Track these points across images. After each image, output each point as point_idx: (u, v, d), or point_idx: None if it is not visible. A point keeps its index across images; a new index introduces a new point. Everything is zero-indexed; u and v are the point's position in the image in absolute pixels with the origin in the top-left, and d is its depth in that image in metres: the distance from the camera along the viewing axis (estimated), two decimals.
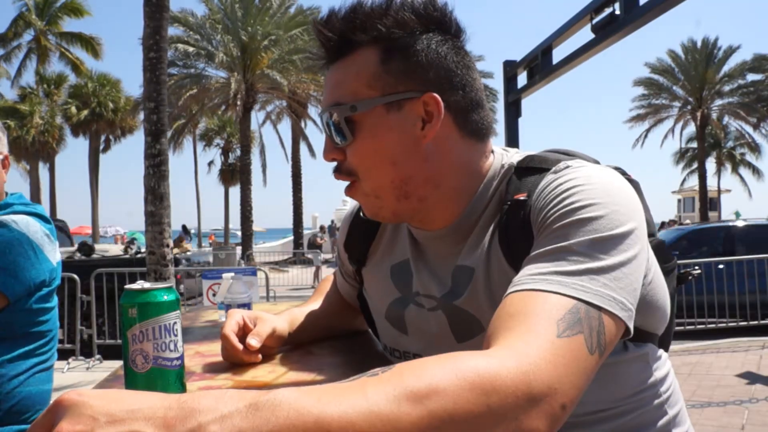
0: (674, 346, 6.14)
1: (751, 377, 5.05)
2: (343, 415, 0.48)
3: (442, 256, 0.92)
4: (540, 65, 4.27)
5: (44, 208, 1.78)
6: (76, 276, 6.47)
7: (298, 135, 25.58)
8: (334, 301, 1.22)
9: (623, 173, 0.86)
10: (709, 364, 5.57)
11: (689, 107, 31.02)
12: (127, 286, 0.77)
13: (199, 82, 21.13)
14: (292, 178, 25.86)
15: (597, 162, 0.87)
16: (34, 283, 1.57)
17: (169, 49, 9.77)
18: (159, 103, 7.05)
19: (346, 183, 0.89)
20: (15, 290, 1.52)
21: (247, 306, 1.28)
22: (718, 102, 30.95)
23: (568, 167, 0.80)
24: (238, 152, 24.07)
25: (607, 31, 3.37)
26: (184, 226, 22.66)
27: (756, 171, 34.04)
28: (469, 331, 0.87)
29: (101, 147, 29.88)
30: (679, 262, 1.00)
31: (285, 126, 30.89)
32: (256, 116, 38.13)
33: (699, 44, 30.58)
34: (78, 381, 5.71)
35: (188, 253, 12.42)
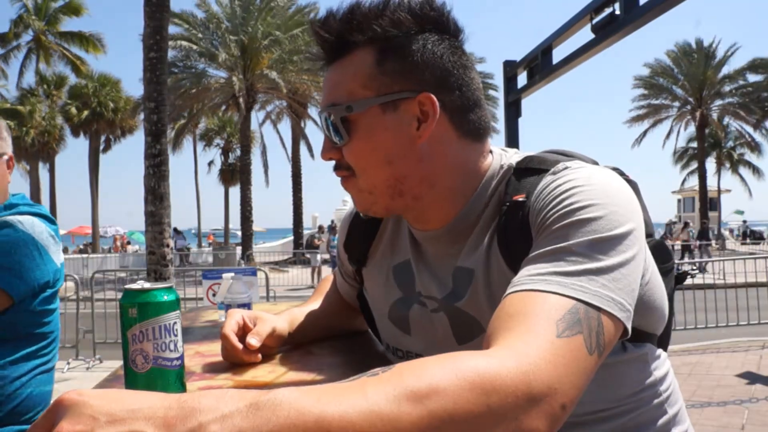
0: (674, 346, 6.16)
1: (751, 377, 5.05)
2: (343, 415, 0.49)
3: (441, 257, 0.92)
4: (540, 65, 4.27)
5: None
6: (75, 276, 6.47)
7: (298, 135, 25.58)
8: (333, 301, 1.22)
9: (621, 174, 0.86)
10: (709, 364, 5.57)
11: (689, 107, 31.03)
12: (127, 286, 0.78)
13: (199, 82, 21.13)
14: (292, 178, 25.86)
15: (595, 163, 0.87)
16: (38, 284, 1.57)
17: (169, 49, 9.78)
18: (159, 103, 7.05)
19: (344, 179, 0.89)
20: (20, 291, 1.52)
21: (247, 306, 1.28)
22: (718, 102, 30.97)
23: (566, 168, 0.80)
24: (238, 152, 24.07)
25: (607, 31, 3.36)
26: (175, 228, 22.65)
27: (756, 171, 34.07)
28: (470, 332, 0.87)
29: (101, 147, 29.88)
30: None
31: (285, 126, 30.90)
32: (257, 116, 38.16)
33: (699, 44, 30.59)
34: (78, 381, 5.71)
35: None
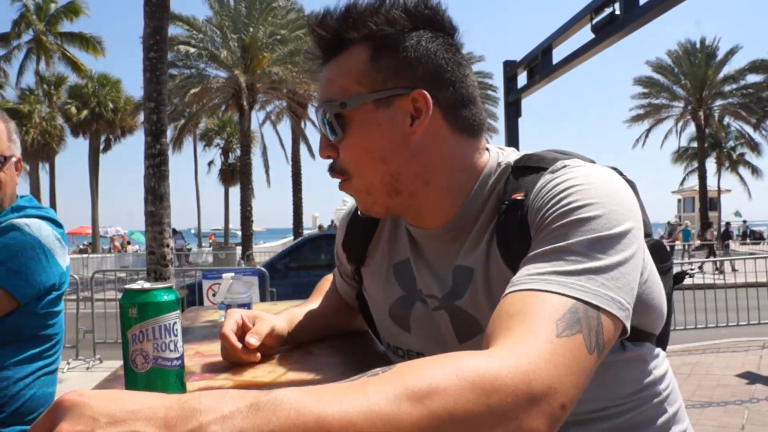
0: (674, 346, 6.16)
1: (751, 377, 5.05)
2: (343, 415, 0.49)
3: (441, 256, 0.92)
4: (540, 65, 4.27)
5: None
6: (76, 276, 6.46)
7: (298, 135, 25.57)
8: (333, 300, 1.22)
9: (619, 173, 0.86)
10: (709, 364, 5.58)
11: (689, 107, 31.03)
12: (127, 286, 0.78)
13: (199, 82, 21.13)
14: (292, 178, 25.84)
15: (593, 162, 0.87)
16: (44, 287, 1.58)
17: (169, 49, 9.78)
18: (159, 103, 7.05)
19: (342, 181, 0.90)
20: (26, 293, 1.53)
21: (247, 306, 1.28)
22: (719, 102, 30.96)
23: (565, 167, 0.80)
24: (238, 152, 24.06)
25: (607, 31, 3.36)
26: (173, 229, 22.61)
27: (756, 171, 34.08)
28: (470, 331, 0.88)
29: (101, 147, 29.87)
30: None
31: (285, 126, 30.92)
32: (257, 116, 38.20)
33: (699, 44, 30.60)
34: (78, 381, 5.71)
35: None
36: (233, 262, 19.46)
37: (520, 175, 0.85)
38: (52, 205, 28.30)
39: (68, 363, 6.35)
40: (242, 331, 1.05)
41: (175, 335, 0.78)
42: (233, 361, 1.03)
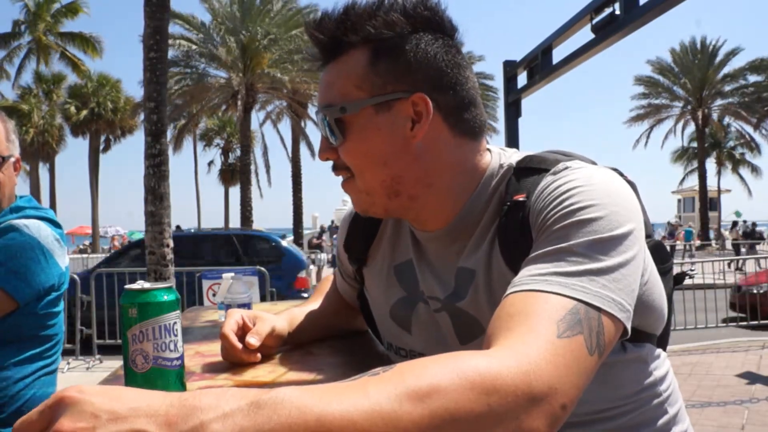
0: (674, 346, 6.16)
1: (751, 377, 5.05)
2: (344, 414, 0.49)
3: (443, 257, 0.92)
4: (540, 65, 4.27)
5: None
6: (76, 276, 6.46)
7: (298, 135, 25.56)
8: (333, 300, 1.22)
9: (620, 174, 0.86)
10: (709, 364, 5.57)
11: (689, 107, 31.02)
12: (127, 286, 0.78)
13: (199, 82, 21.13)
14: (292, 178, 25.84)
15: (594, 163, 0.87)
16: (43, 288, 1.57)
17: (169, 49, 9.77)
18: (159, 103, 7.04)
19: (344, 180, 0.90)
20: (25, 294, 1.53)
21: (247, 306, 1.28)
22: (719, 102, 30.96)
23: (566, 168, 0.80)
24: (238, 152, 24.05)
25: (607, 31, 3.36)
26: (178, 227, 22.63)
27: (756, 171, 34.07)
28: (471, 332, 0.88)
29: (101, 147, 29.87)
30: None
31: (285, 126, 30.90)
32: (257, 116, 38.15)
33: (700, 44, 30.59)
34: (78, 381, 5.71)
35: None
36: None
37: (522, 177, 0.85)
38: (52, 205, 28.29)
39: (68, 363, 6.35)
40: (243, 331, 1.05)
41: (175, 335, 0.78)
42: (233, 362, 1.03)
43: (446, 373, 0.53)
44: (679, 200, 38.27)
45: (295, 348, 1.14)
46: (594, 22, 3.45)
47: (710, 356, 5.92)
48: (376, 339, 1.16)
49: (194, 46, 21.21)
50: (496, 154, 0.91)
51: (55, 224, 1.69)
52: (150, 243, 6.91)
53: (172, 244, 6.74)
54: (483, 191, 0.88)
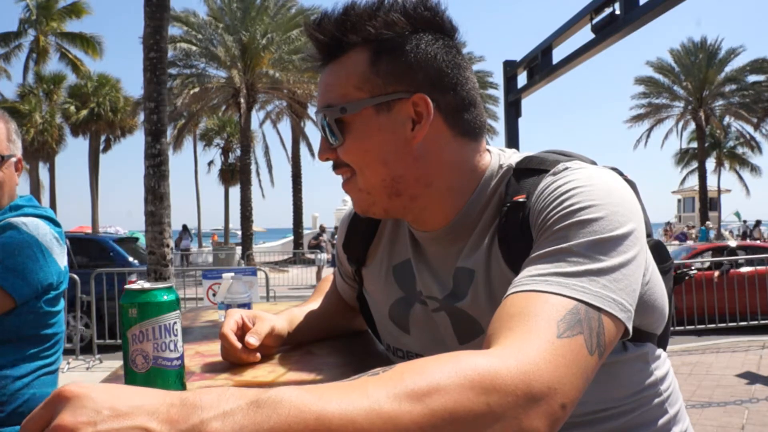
0: (674, 346, 6.16)
1: (751, 377, 5.06)
2: (344, 413, 0.49)
3: (442, 257, 0.92)
4: (540, 65, 4.27)
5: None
6: (76, 276, 6.46)
7: (298, 135, 25.56)
8: (333, 300, 1.22)
9: (620, 174, 0.86)
10: (709, 364, 5.57)
11: (690, 107, 31.02)
12: (127, 286, 0.78)
13: (199, 82, 21.13)
14: (293, 178, 25.84)
15: (594, 163, 0.87)
16: (41, 286, 1.57)
17: (169, 48, 9.77)
18: (159, 103, 7.05)
19: (345, 180, 0.90)
20: (23, 292, 1.52)
21: (247, 306, 1.28)
22: (719, 102, 30.95)
23: (566, 168, 0.80)
24: (238, 152, 24.06)
25: (607, 31, 3.36)
26: (184, 226, 22.65)
27: (756, 171, 34.06)
28: (471, 332, 0.87)
29: (101, 147, 29.86)
30: None
31: (285, 126, 30.88)
32: (257, 116, 38.12)
33: (700, 44, 30.58)
34: (78, 381, 5.71)
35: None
36: (233, 262, 19.45)
37: (522, 177, 0.85)
38: (52, 204, 28.28)
39: (68, 363, 6.35)
40: (242, 331, 1.05)
41: (175, 335, 0.78)
42: (233, 361, 1.03)
43: (446, 373, 0.53)
44: (679, 200, 38.27)
45: (295, 348, 1.14)
46: (594, 22, 3.46)
47: (710, 356, 5.92)
48: (376, 339, 1.16)
49: (194, 47, 21.21)
50: (496, 155, 0.91)
51: (54, 222, 1.69)
52: (150, 243, 6.91)
53: (172, 244, 6.75)
54: (482, 192, 0.88)
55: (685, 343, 6.43)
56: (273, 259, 23.43)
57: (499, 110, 25.71)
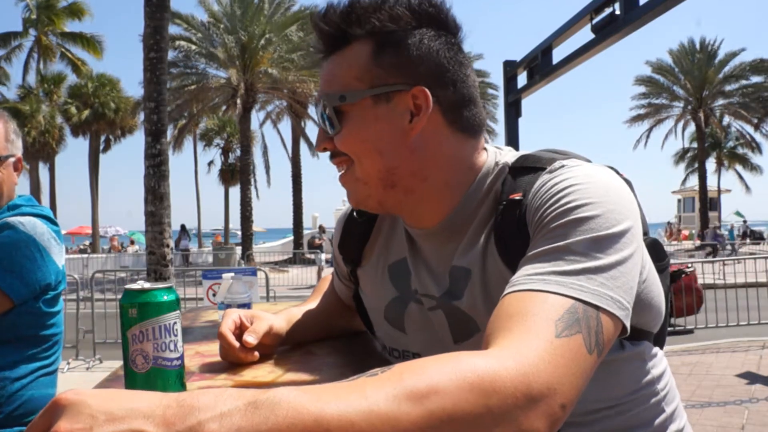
0: (674, 346, 6.16)
1: (751, 377, 5.05)
2: (342, 414, 0.49)
3: (437, 255, 0.92)
4: (540, 65, 4.27)
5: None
6: (76, 276, 6.46)
7: (298, 135, 25.56)
8: (332, 300, 1.22)
9: (616, 172, 0.87)
10: (709, 364, 5.57)
11: (690, 107, 31.01)
12: (127, 286, 0.78)
13: (199, 82, 21.13)
14: (293, 178, 25.83)
15: (589, 161, 0.87)
16: (39, 286, 1.56)
17: (169, 48, 9.77)
18: (159, 103, 7.05)
19: (342, 172, 0.90)
20: (20, 292, 1.52)
21: (247, 306, 1.28)
22: (719, 102, 30.93)
23: (563, 166, 0.80)
24: (238, 152, 24.06)
25: (607, 31, 3.37)
26: (183, 226, 22.66)
27: (756, 171, 34.04)
28: (467, 331, 0.88)
29: (101, 147, 29.87)
30: None
31: (285, 126, 30.89)
32: (257, 116, 38.17)
33: (699, 44, 30.57)
34: (78, 381, 5.71)
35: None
36: (233, 262, 19.45)
37: (518, 175, 0.85)
38: (52, 205, 28.28)
39: (68, 363, 6.35)
40: (240, 330, 1.05)
41: (175, 335, 0.78)
42: (231, 361, 1.03)
43: (445, 374, 0.53)
44: (679, 200, 38.24)
45: (295, 348, 1.14)
46: (594, 22, 3.46)
47: (710, 356, 5.92)
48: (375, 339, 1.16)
49: (194, 47, 21.21)
50: (492, 153, 0.91)
51: (52, 222, 1.68)
52: (150, 243, 6.92)
53: (172, 244, 6.76)
54: (478, 188, 0.88)
55: (685, 343, 6.43)
56: (273, 259, 23.45)
57: (499, 111, 25.73)
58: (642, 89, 31.77)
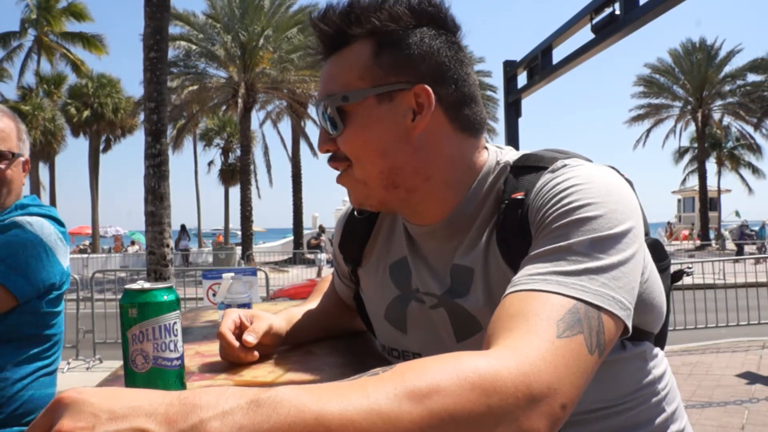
0: (674, 346, 6.16)
1: (751, 377, 5.05)
2: (343, 413, 0.49)
3: (438, 253, 0.92)
4: (540, 65, 4.27)
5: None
6: (76, 276, 6.46)
7: (298, 135, 25.56)
8: (332, 300, 1.22)
9: (617, 172, 0.87)
10: (709, 364, 5.57)
11: (689, 107, 31.01)
12: (127, 286, 0.78)
13: (199, 82, 21.13)
14: (293, 178, 25.82)
15: (591, 161, 0.87)
16: (44, 286, 1.57)
17: (169, 48, 9.77)
18: (159, 103, 7.05)
19: (340, 172, 0.90)
20: (25, 292, 1.52)
21: (247, 306, 1.28)
22: (719, 102, 30.93)
23: (565, 166, 0.80)
24: (239, 152, 24.06)
25: (607, 31, 3.37)
26: (183, 226, 22.67)
27: (756, 171, 34.03)
28: (470, 329, 0.87)
29: (101, 147, 29.87)
30: None
31: (285, 126, 30.88)
32: (257, 116, 38.18)
33: (699, 44, 30.55)
34: (78, 381, 5.71)
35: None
36: (233, 262, 19.46)
37: (520, 175, 0.85)
38: (52, 204, 28.07)
39: (68, 363, 6.35)
40: (240, 330, 1.05)
41: (175, 335, 0.78)
42: (231, 361, 1.03)
43: (446, 374, 0.53)
44: (679, 200, 38.22)
45: (295, 348, 1.14)
46: (594, 22, 3.46)
47: (710, 356, 5.92)
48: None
49: (194, 46, 21.20)
50: (493, 152, 0.91)
51: (59, 223, 1.69)
52: (150, 243, 6.92)
53: (172, 244, 6.76)
54: (479, 187, 0.88)
55: (685, 343, 6.43)
56: (273, 259, 23.45)
57: (499, 112, 25.71)
58: (642, 89, 31.77)
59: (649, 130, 32.88)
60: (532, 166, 0.85)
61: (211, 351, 1.13)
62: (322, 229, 20.02)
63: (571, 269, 0.66)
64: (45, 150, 27.00)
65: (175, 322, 0.78)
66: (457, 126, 0.86)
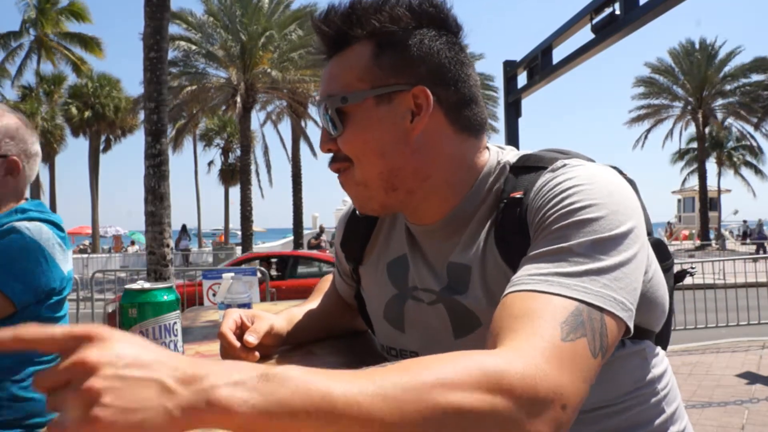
0: (674, 346, 6.16)
1: (751, 377, 5.06)
2: (348, 393, 0.50)
3: (436, 251, 0.92)
4: (540, 65, 4.27)
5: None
6: (76, 276, 6.47)
7: (298, 135, 25.55)
8: (333, 300, 1.22)
9: (619, 172, 0.87)
10: (709, 364, 5.58)
11: (689, 107, 31.01)
12: (127, 286, 0.78)
13: (199, 82, 21.13)
14: (293, 178, 25.81)
15: (592, 161, 0.87)
16: (43, 291, 1.56)
17: (169, 47, 9.78)
18: (159, 103, 7.06)
19: (341, 174, 0.90)
20: (23, 298, 1.51)
21: (247, 306, 1.28)
22: (719, 102, 30.93)
23: (565, 166, 0.80)
24: (239, 152, 24.05)
25: (607, 31, 3.37)
26: (184, 226, 22.67)
27: (757, 171, 34.03)
28: (468, 325, 0.87)
29: (101, 147, 29.87)
30: None
31: (285, 126, 30.89)
32: (257, 116, 38.20)
33: (699, 44, 30.56)
34: None
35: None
36: None
37: (520, 174, 0.85)
38: (52, 204, 28.27)
39: None
40: (241, 330, 1.05)
41: (175, 335, 0.78)
42: None
43: (453, 369, 0.54)
44: (679, 200, 38.22)
45: (296, 348, 1.14)
46: (594, 22, 3.46)
47: (710, 356, 5.92)
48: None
49: (193, 46, 21.21)
50: (494, 152, 0.91)
51: (59, 228, 1.68)
52: (150, 243, 6.92)
53: (172, 244, 6.75)
54: (480, 187, 0.88)
55: (685, 343, 6.43)
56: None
57: (499, 111, 25.71)
58: (642, 89, 31.78)
59: (648, 131, 32.91)
60: (532, 165, 0.85)
61: (211, 351, 1.13)
62: (322, 229, 20.01)
63: (572, 270, 0.66)
64: (45, 150, 27.00)
65: (175, 322, 0.78)
66: (457, 127, 0.86)
